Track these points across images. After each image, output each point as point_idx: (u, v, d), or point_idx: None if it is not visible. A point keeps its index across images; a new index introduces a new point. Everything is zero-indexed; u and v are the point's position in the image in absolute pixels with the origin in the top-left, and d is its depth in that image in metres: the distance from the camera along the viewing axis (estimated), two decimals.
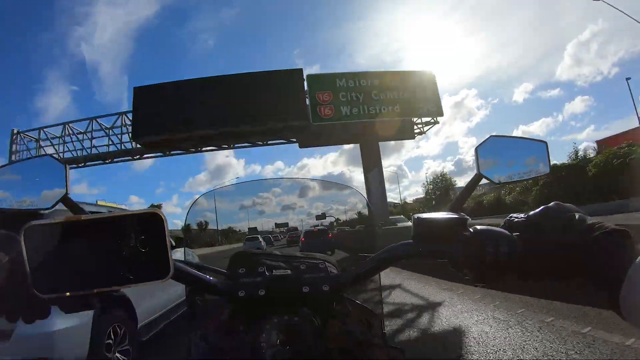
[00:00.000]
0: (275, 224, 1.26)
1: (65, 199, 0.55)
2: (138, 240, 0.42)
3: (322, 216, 1.12)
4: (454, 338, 3.47)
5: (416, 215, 0.53)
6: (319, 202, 1.04)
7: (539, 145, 0.59)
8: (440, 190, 38.09)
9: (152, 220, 0.43)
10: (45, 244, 0.40)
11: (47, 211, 0.55)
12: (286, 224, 1.26)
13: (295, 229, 1.43)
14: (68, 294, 0.41)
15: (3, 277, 0.42)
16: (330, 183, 0.95)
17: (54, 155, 0.56)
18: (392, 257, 0.53)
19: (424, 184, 40.48)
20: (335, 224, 1.22)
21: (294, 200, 1.02)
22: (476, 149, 0.58)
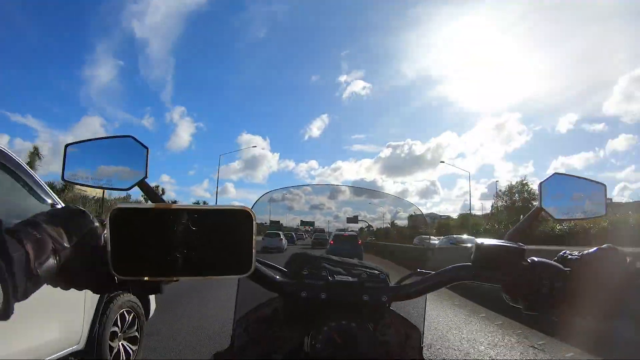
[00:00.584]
0: (302, 221, 1.25)
1: (142, 183, 0.56)
2: (224, 234, 0.44)
3: (354, 219, 1.12)
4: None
5: (479, 241, 0.55)
6: (348, 207, 1.05)
7: (598, 187, 0.62)
8: (519, 201, 32.96)
9: (241, 216, 0.44)
10: (129, 227, 0.42)
11: (124, 192, 0.57)
12: (312, 223, 1.25)
13: (322, 230, 1.41)
14: (147, 278, 0.43)
15: (78, 251, 0.44)
16: (379, 193, 0.97)
17: (137, 138, 0.57)
18: (450, 277, 0.56)
19: (496, 194, 35.62)
20: (366, 230, 1.22)
21: (323, 201, 1.03)
22: (540, 184, 0.60)
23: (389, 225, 1.10)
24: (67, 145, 0.59)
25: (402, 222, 1.07)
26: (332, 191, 1.02)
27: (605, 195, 0.61)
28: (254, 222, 0.44)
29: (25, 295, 0.38)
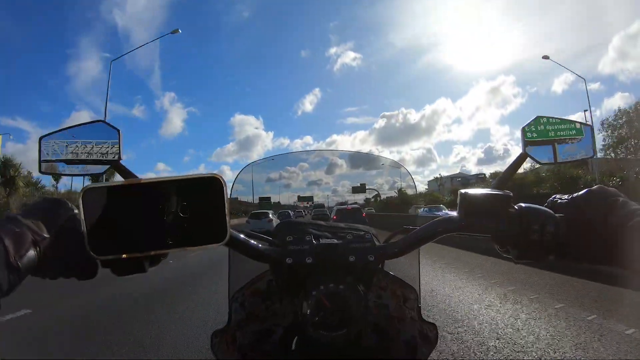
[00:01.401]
0: (299, 197, 1.19)
1: (118, 165, 0.56)
2: (196, 204, 0.43)
3: (361, 188, 1.07)
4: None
5: (462, 191, 0.53)
6: (345, 180, 1.03)
7: (585, 129, 0.59)
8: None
9: (211, 184, 0.43)
10: (102, 206, 0.41)
11: (99, 176, 0.57)
12: (311, 198, 1.21)
13: (322, 205, 1.35)
14: (124, 255, 0.43)
15: (58, 240, 0.44)
16: (372, 156, 0.95)
17: (108, 121, 0.56)
18: (437, 231, 0.54)
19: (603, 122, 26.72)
20: (373, 200, 1.18)
21: (321, 177, 1.01)
22: (523, 129, 0.58)
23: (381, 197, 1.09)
24: (41, 138, 0.59)
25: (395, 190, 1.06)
26: (329, 165, 1.00)
27: (593, 136, 0.59)
28: (224, 189, 0.43)
29: (9, 290, 0.38)
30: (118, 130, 0.57)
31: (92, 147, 0.58)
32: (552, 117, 0.60)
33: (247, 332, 0.63)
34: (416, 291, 0.64)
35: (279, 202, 1.13)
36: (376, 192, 1.13)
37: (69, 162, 0.57)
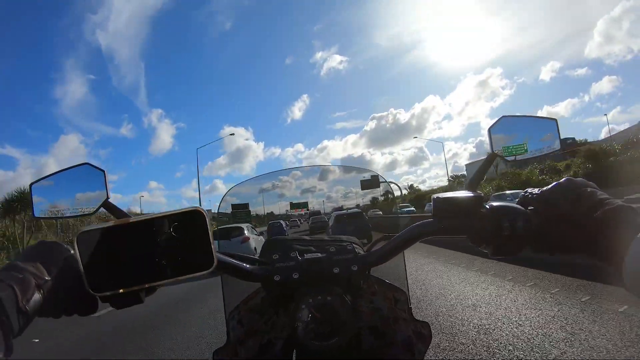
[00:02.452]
0: (291, 204, 1.13)
1: (106, 204, 0.59)
2: (183, 236, 0.46)
3: (373, 182, 1.01)
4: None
5: (435, 195, 0.56)
6: (339, 186, 1.03)
7: (550, 123, 0.62)
8: None
9: (194, 216, 0.46)
10: (96, 247, 0.44)
11: (90, 216, 0.59)
12: (305, 205, 1.17)
13: (318, 212, 1.31)
14: (122, 290, 0.45)
15: (58, 281, 0.46)
16: (352, 168, 0.97)
17: (92, 163, 0.59)
18: (415, 235, 0.57)
19: None
20: (382, 198, 1.12)
21: (314, 184, 1.01)
22: (489, 129, 0.60)
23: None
24: (31, 185, 0.61)
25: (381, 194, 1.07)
26: (321, 172, 1.01)
27: (558, 130, 0.62)
28: (207, 220, 0.46)
29: (20, 331, 0.41)
30: (103, 171, 0.59)
31: (81, 189, 0.60)
32: (517, 115, 0.62)
33: (249, 347, 0.66)
34: (405, 292, 0.66)
35: (272, 212, 1.13)
36: (390, 182, 1.05)
37: (60, 205, 0.60)
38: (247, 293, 0.68)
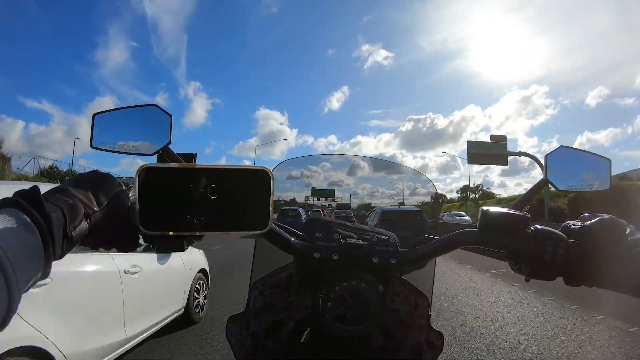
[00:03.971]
0: (313, 189, 1.02)
1: (166, 149, 0.60)
2: (243, 193, 0.47)
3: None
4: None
5: (484, 208, 0.57)
6: (366, 183, 1.01)
7: (603, 162, 0.63)
8: None
9: (260, 176, 0.47)
10: (155, 185, 0.45)
11: (148, 156, 0.60)
12: (331, 193, 1.05)
13: (347, 205, 1.19)
14: (171, 232, 0.47)
15: (106, 214, 0.47)
16: (402, 166, 0.98)
17: (161, 105, 0.60)
18: (457, 241, 0.58)
19: None
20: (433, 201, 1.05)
21: (342, 177, 0.99)
22: (546, 156, 0.62)
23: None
24: (94, 115, 0.62)
25: (421, 198, 1.06)
26: (350, 166, 1.00)
27: (610, 170, 0.63)
28: (271, 182, 0.47)
29: (61, 256, 0.42)
30: (170, 116, 0.60)
31: (144, 128, 0.61)
32: (575, 148, 0.63)
33: (262, 321, 0.67)
34: (428, 299, 0.67)
35: (294, 199, 1.11)
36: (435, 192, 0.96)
37: (120, 140, 0.61)
38: (277, 266, 0.69)
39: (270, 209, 0.47)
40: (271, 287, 0.69)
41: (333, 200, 1.12)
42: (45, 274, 0.39)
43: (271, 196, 0.48)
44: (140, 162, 0.50)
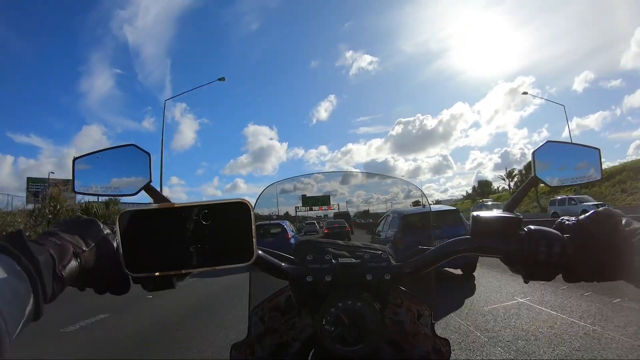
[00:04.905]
0: (304, 197, 0.94)
1: (148, 187, 0.59)
2: (225, 226, 0.46)
3: None
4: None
5: (475, 213, 0.56)
6: (361, 190, 1.00)
7: (592, 152, 0.62)
8: None
9: (239, 208, 0.47)
10: (136, 228, 0.45)
11: (131, 197, 0.60)
12: (326, 200, 0.97)
13: (346, 214, 1.05)
14: (157, 273, 0.46)
15: (93, 258, 0.47)
16: (390, 177, 0.96)
17: (138, 145, 0.60)
18: (450, 251, 0.57)
19: None
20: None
21: (336, 187, 0.97)
22: (533, 153, 0.60)
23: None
24: (74, 159, 0.62)
25: (411, 201, 1.04)
26: (344, 175, 0.98)
27: (600, 159, 0.62)
28: (251, 213, 0.47)
29: (53, 297, 0.41)
30: (148, 154, 0.60)
31: (124, 169, 0.61)
32: (562, 142, 0.62)
33: (266, 345, 0.66)
34: (430, 308, 0.66)
35: (287, 212, 1.09)
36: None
37: (102, 183, 0.61)
38: (273, 290, 0.68)
39: (254, 239, 0.47)
40: (271, 311, 0.68)
41: (328, 207, 1.04)
42: (38, 316, 0.39)
43: (253, 227, 0.47)
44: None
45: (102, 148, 0.61)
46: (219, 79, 22.28)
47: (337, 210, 1.04)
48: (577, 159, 0.62)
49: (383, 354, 0.64)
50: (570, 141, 0.62)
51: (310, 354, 0.65)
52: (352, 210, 1.04)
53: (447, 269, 6.02)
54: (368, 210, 1.06)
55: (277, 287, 0.68)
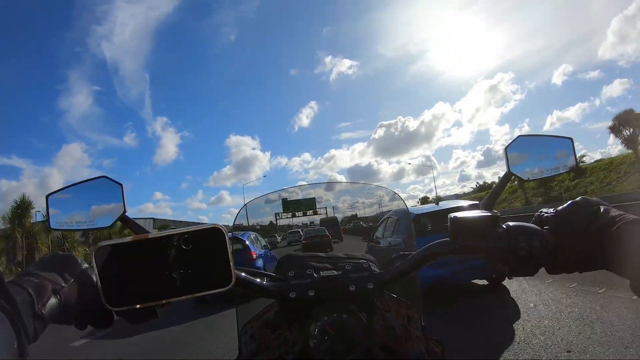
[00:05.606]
0: (284, 201, 0.86)
1: (123, 217, 0.59)
2: (201, 253, 0.46)
3: None
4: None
5: (452, 215, 0.56)
6: (346, 196, 0.98)
7: (565, 142, 0.62)
8: None
9: (213, 233, 0.46)
10: (114, 261, 0.44)
11: (106, 229, 0.59)
12: (310, 204, 0.90)
13: (334, 220, 0.97)
14: (138, 305, 0.45)
15: (73, 293, 0.46)
16: (369, 186, 0.96)
17: (109, 176, 0.59)
18: (431, 254, 0.57)
19: None
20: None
21: (321, 194, 0.94)
22: (505, 149, 0.60)
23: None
24: (47, 196, 0.61)
25: (397, 203, 1.02)
26: (324, 186, 0.98)
27: (574, 148, 0.62)
28: (226, 237, 0.46)
29: (35, 337, 0.41)
30: (121, 185, 0.59)
31: (98, 201, 0.60)
32: (533, 135, 0.62)
33: None
34: (418, 310, 0.66)
35: (270, 222, 1.07)
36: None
37: (77, 217, 0.60)
38: (260, 308, 0.68)
39: (231, 263, 0.46)
40: (261, 328, 0.67)
41: (314, 212, 0.98)
42: (23, 355, 0.38)
43: (229, 251, 0.47)
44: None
45: (75, 182, 0.61)
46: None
47: (325, 217, 1.00)
48: (551, 150, 0.62)
49: (378, 359, 0.64)
50: (541, 134, 0.62)
51: None
52: (339, 216, 1.01)
53: (473, 281, 5.25)
54: (356, 214, 1.03)
55: (264, 303, 0.67)
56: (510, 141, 0.61)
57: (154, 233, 0.47)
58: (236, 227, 0.91)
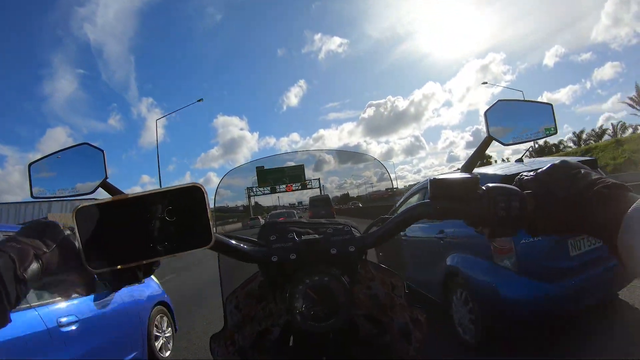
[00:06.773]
0: (259, 170, 0.92)
1: (105, 184, 0.59)
2: (181, 212, 0.46)
3: None
4: None
5: (432, 177, 0.56)
6: (334, 177, 1.00)
7: (545, 108, 0.63)
8: None
9: (193, 193, 0.47)
10: (94, 223, 0.44)
11: (88, 196, 0.59)
12: (298, 172, 0.92)
13: (326, 199, 1.09)
14: (119, 267, 0.46)
15: (55, 258, 0.46)
16: (348, 153, 0.96)
17: (92, 143, 0.59)
18: (411, 217, 0.57)
19: None
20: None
21: (309, 175, 0.97)
22: (485, 113, 0.61)
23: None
24: (30, 165, 0.61)
25: (385, 183, 1.03)
26: (316, 162, 0.98)
27: (554, 114, 0.62)
28: (205, 196, 0.47)
29: (17, 302, 0.41)
30: (102, 151, 0.59)
31: (79, 169, 0.60)
32: (513, 100, 0.63)
33: (246, 334, 0.66)
34: (401, 278, 0.67)
35: (257, 203, 1.08)
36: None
37: (59, 185, 0.60)
38: (245, 277, 0.68)
39: (210, 222, 0.47)
40: (246, 298, 0.68)
41: (300, 187, 0.98)
42: (5, 321, 0.39)
43: (208, 210, 0.47)
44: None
45: (57, 150, 0.61)
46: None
47: (316, 195, 1.03)
48: (531, 115, 0.63)
49: (361, 328, 0.64)
50: (521, 99, 0.63)
51: (291, 338, 0.65)
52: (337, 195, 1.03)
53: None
54: (348, 194, 1.04)
55: (248, 273, 0.68)
56: (490, 105, 0.61)
57: (133, 193, 0.47)
58: (218, 210, 0.92)
